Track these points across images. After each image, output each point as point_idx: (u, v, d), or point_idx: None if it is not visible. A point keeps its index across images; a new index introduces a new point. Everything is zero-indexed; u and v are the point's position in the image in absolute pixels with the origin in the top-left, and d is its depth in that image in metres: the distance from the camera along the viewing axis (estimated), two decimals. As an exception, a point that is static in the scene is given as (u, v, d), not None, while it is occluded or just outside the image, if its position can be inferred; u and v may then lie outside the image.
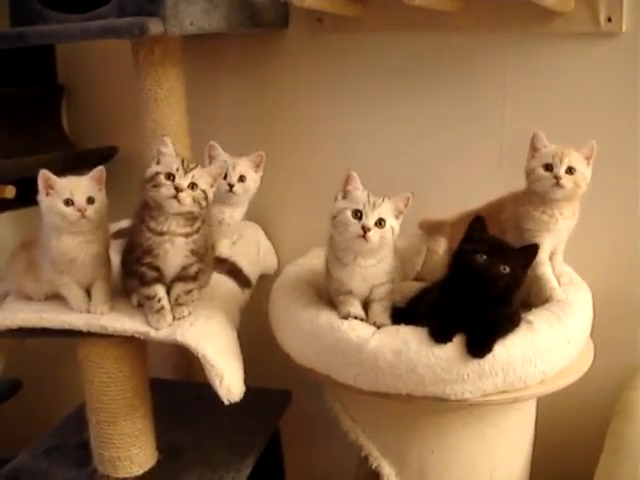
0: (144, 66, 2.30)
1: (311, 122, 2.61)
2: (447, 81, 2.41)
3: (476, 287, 1.77)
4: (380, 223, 1.79)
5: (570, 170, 1.90)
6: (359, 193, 1.83)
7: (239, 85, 2.66)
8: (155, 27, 2.03)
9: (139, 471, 2.09)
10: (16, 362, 2.56)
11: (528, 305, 1.98)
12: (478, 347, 1.74)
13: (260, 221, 2.68)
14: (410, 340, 1.77)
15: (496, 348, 1.74)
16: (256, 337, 2.22)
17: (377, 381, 1.80)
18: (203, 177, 1.86)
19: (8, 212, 2.67)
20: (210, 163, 2.20)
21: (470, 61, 2.36)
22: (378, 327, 1.86)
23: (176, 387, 2.59)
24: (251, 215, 2.54)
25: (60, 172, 1.91)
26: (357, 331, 1.83)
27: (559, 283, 2.02)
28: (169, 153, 1.86)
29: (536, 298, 2.01)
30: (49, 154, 2.63)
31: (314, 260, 2.27)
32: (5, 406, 2.71)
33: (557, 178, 1.89)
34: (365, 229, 1.77)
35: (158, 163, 1.85)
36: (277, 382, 2.51)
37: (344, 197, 1.85)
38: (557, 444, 2.33)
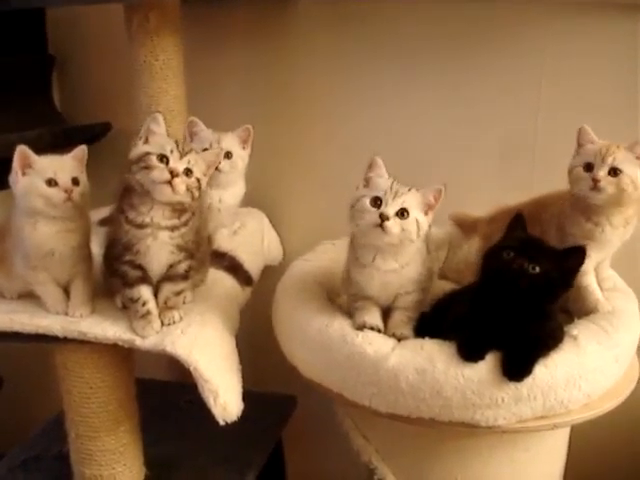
0: (138, 35, 2.12)
1: (323, 100, 2.42)
2: (475, 56, 2.21)
3: (500, 289, 1.54)
4: (402, 214, 1.57)
5: (614, 171, 1.65)
6: (382, 181, 1.62)
7: (244, 57, 2.46)
8: (146, -12, 1.82)
9: (124, 490, 1.89)
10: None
11: (566, 312, 1.77)
12: (516, 368, 1.51)
13: (265, 208, 2.49)
14: (436, 357, 1.54)
15: (536, 368, 1.51)
16: (258, 336, 2.06)
17: (396, 403, 1.57)
18: (198, 164, 1.64)
19: (-9, 193, 2.45)
20: (192, 140, 2.03)
21: (502, 35, 2.16)
22: (398, 340, 1.63)
23: (168, 390, 2.41)
24: (255, 201, 2.37)
25: (47, 151, 1.70)
26: (375, 345, 1.60)
27: (601, 288, 1.80)
28: (160, 132, 1.64)
29: (576, 305, 1.79)
30: (36, 130, 2.42)
31: (324, 255, 2.07)
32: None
33: (595, 180, 1.65)
34: (383, 217, 1.55)
35: (147, 142, 1.63)
36: (281, 385, 2.32)
37: (365, 185, 1.64)
38: (592, 470, 2.11)
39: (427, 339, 1.60)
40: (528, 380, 1.50)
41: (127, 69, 2.19)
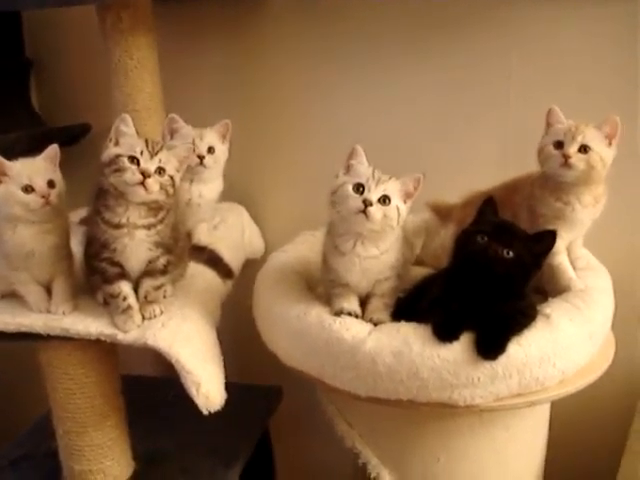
0: (112, 35, 2.12)
1: (300, 93, 2.43)
2: (448, 45, 2.23)
3: (475, 273, 1.57)
4: (384, 201, 1.60)
5: (584, 149, 1.67)
6: (363, 168, 1.64)
7: (219, 54, 2.47)
8: (116, -12, 1.82)
9: (113, 485, 1.90)
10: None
11: (542, 292, 1.79)
12: (490, 347, 1.53)
13: (245, 202, 2.50)
14: (412, 340, 1.56)
15: (510, 347, 1.54)
16: (241, 328, 2.04)
17: (375, 386, 1.59)
18: (170, 161, 1.66)
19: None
20: (171, 138, 2.04)
21: (473, 22, 2.18)
22: (375, 324, 1.65)
23: (154, 385, 2.41)
24: (235, 196, 2.39)
25: (26, 154, 1.71)
26: (352, 330, 1.62)
27: (574, 267, 1.83)
28: (130, 133, 1.65)
29: (549, 285, 1.82)
30: (15, 133, 2.41)
31: (302, 246, 2.09)
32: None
33: (565, 157, 1.67)
34: (366, 203, 1.57)
35: (117, 144, 1.64)
36: (266, 377, 2.30)
37: (346, 172, 1.66)
38: (573, 446, 2.18)
39: (403, 322, 1.62)
40: (503, 358, 1.53)
41: (104, 69, 2.19)
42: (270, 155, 2.49)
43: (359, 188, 1.60)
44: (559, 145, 1.70)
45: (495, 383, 1.54)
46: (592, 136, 1.68)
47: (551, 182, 1.75)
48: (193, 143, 2.00)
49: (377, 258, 1.67)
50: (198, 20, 2.45)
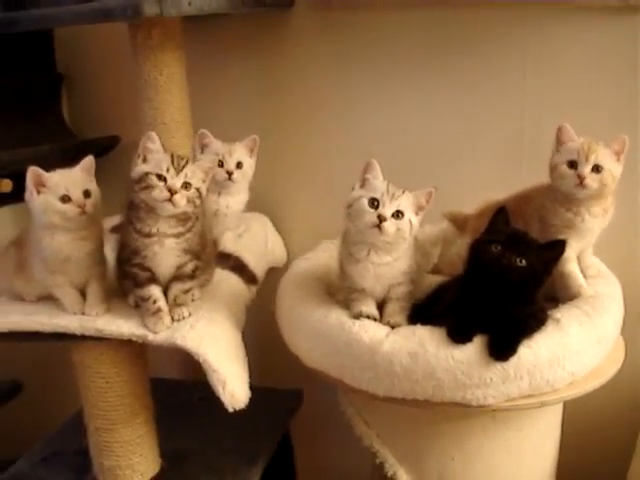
0: (142, 51, 2.18)
1: (321, 107, 2.49)
2: (464, 62, 2.28)
3: (489, 280, 1.64)
4: (398, 215, 1.68)
5: (597, 168, 1.75)
6: (378, 182, 1.72)
7: (244, 69, 2.54)
8: (150, 8, 1.90)
9: (141, 480, 1.98)
10: (16, 362, 2.49)
11: (554, 299, 1.86)
12: (501, 349, 1.61)
13: (268, 212, 2.57)
14: (427, 342, 1.64)
15: (521, 350, 1.61)
16: (265, 334, 2.12)
17: (392, 386, 1.67)
18: (195, 174, 1.74)
19: (6, 207, 2.54)
20: (202, 152, 2.11)
21: (488, 40, 2.23)
22: (392, 327, 1.73)
23: (180, 388, 2.50)
24: (259, 206, 2.45)
25: (58, 165, 1.79)
26: (370, 332, 1.70)
27: (585, 276, 1.89)
28: (157, 149, 1.73)
29: (561, 293, 1.88)
30: (47, 145, 2.51)
31: (324, 254, 2.17)
32: (6, 408, 2.62)
33: (581, 178, 1.74)
34: (381, 218, 1.66)
35: (145, 161, 1.73)
36: (288, 380, 2.39)
37: (362, 186, 1.73)
38: (585, 447, 2.21)
39: (419, 326, 1.70)
40: (514, 360, 1.60)
41: (132, 83, 2.24)
42: (293, 167, 2.55)
43: (374, 202, 1.68)
44: (572, 165, 1.76)
45: (506, 384, 1.61)
46: (603, 155, 1.75)
47: (561, 195, 1.81)
48: (223, 158, 2.08)
49: (390, 265, 1.75)
50: (224, 37, 2.52)
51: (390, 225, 1.66)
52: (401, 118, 2.38)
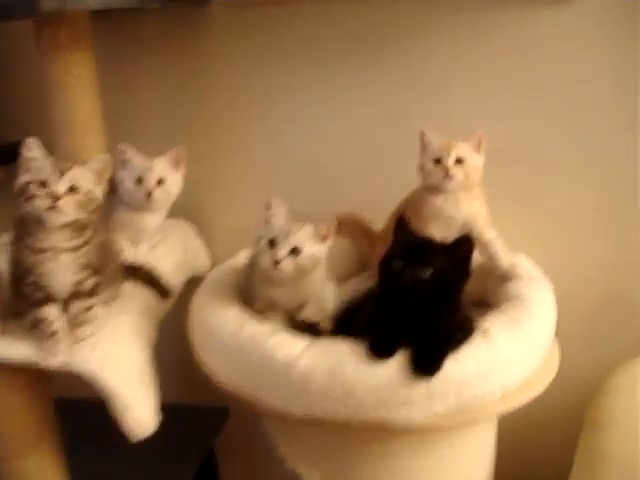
0: (49, 51, 2.04)
1: (243, 106, 2.37)
2: (387, 57, 2.19)
3: (401, 299, 1.55)
4: (295, 251, 1.68)
5: (459, 161, 1.87)
6: (277, 220, 1.74)
7: (160, 68, 2.40)
8: (50, 3, 1.73)
9: (46, 514, 1.83)
10: None
11: (486, 304, 1.81)
12: (425, 365, 1.49)
13: (190, 217, 2.44)
14: (346, 358, 1.52)
15: (447, 364, 1.50)
16: (185, 348, 1.95)
17: (310, 406, 1.54)
18: (85, 176, 1.60)
19: None
20: (123, 168, 1.99)
21: (414, 32, 2.15)
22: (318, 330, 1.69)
23: (93, 407, 2.29)
24: (180, 211, 2.29)
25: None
26: (285, 348, 1.58)
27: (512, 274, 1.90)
28: (37, 156, 1.58)
29: (494, 296, 1.83)
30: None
31: (244, 262, 2.01)
32: None
33: (445, 170, 1.86)
34: (275, 259, 1.68)
35: (28, 171, 1.57)
36: (214, 396, 2.21)
37: (265, 224, 1.75)
38: (521, 460, 2.13)
39: (337, 339, 1.59)
40: (439, 376, 1.49)
41: (42, 85, 2.11)
42: (215, 169, 2.43)
43: (272, 242, 1.69)
44: (438, 161, 1.88)
45: (432, 401, 1.50)
46: (463, 149, 1.88)
47: (432, 190, 1.90)
48: (142, 175, 1.96)
49: (299, 290, 1.76)
50: (139, 35, 2.38)
51: (287, 264, 1.67)
52: (325, 117, 2.29)
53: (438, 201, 1.89)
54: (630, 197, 2.07)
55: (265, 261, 1.69)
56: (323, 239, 1.74)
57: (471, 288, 1.63)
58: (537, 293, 1.79)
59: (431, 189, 1.90)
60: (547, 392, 1.68)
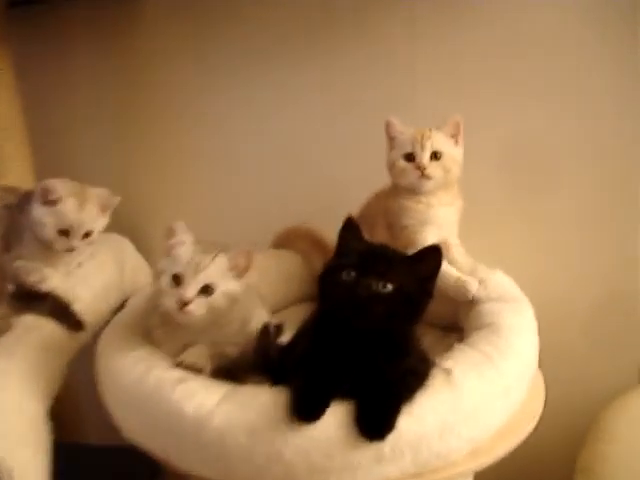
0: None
1: (183, 104, 2.18)
2: (344, 43, 1.98)
3: (347, 320, 1.21)
4: (206, 290, 1.36)
5: (435, 155, 1.62)
6: (182, 251, 1.39)
7: (89, 62, 2.20)
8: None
9: None
10: None
11: (458, 330, 1.54)
12: (374, 424, 1.16)
13: (130, 233, 2.18)
14: (271, 412, 1.19)
15: (400, 419, 1.18)
16: None
17: (229, 472, 1.22)
18: None
19: None
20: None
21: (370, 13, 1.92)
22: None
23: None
24: (119, 227, 2.03)
25: None
26: (195, 400, 1.25)
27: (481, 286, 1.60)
28: None
29: (466, 321, 1.54)
30: None
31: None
32: None
33: (421, 168, 1.61)
34: (182, 302, 1.34)
35: None
36: None
37: (168, 255, 1.40)
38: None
39: (262, 388, 1.27)
40: (391, 435, 1.17)
41: None
42: (155, 176, 2.22)
43: (177, 279, 1.36)
44: (410, 157, 1.63)
45: (382, 464, 1.18)
46: (439, 140, 1.63)
47: (407, 192, 1.66)
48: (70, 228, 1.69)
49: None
50: (63, 28, 2.19)
51: (196, 307, 1.35)
52: (270, 111, 2.10)
53: (418, 205, 1.64)
54: (624, 208, 1.84)
55: (169, 302, 1.36)
56: (241, 272, 1.41)
57: (440, 310, 1.38)
58: (514, 318, 1.48)
59: (405, 191, 1.65)
60: (530, 437, 1.37)
